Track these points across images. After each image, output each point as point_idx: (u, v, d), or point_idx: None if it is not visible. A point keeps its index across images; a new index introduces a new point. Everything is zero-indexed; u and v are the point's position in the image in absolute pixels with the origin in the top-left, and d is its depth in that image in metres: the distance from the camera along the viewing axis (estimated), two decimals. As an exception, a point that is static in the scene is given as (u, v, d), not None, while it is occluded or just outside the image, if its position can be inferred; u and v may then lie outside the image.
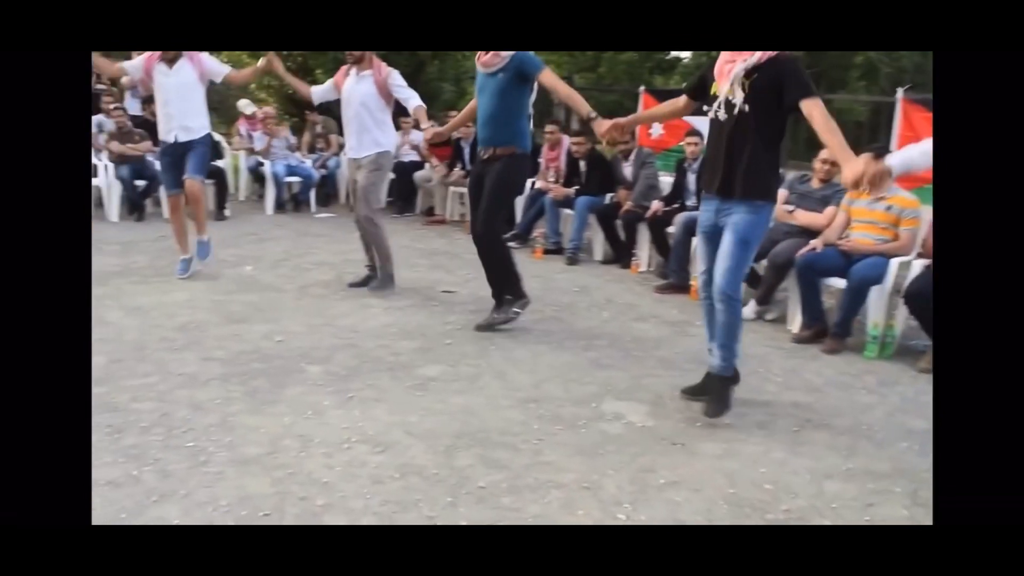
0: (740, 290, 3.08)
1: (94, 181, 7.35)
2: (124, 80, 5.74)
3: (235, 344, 3.85)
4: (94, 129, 7.78)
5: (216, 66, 5.09)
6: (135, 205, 7.34)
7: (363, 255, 5.22)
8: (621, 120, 3.52)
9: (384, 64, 4.87)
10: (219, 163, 8.29)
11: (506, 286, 4.30)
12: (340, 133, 7.10)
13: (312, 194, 8.69)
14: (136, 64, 4.98)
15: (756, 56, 2.84)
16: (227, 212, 7.98)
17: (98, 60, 4.93)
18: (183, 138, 4.98)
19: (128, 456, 2.61)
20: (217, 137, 8.99)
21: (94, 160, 7.34)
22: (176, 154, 5.03)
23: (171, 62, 4.89)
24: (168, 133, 4.99)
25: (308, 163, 8.80)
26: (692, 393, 3.33)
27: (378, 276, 5.09)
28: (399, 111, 5.14)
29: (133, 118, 7.92)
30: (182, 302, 4.57)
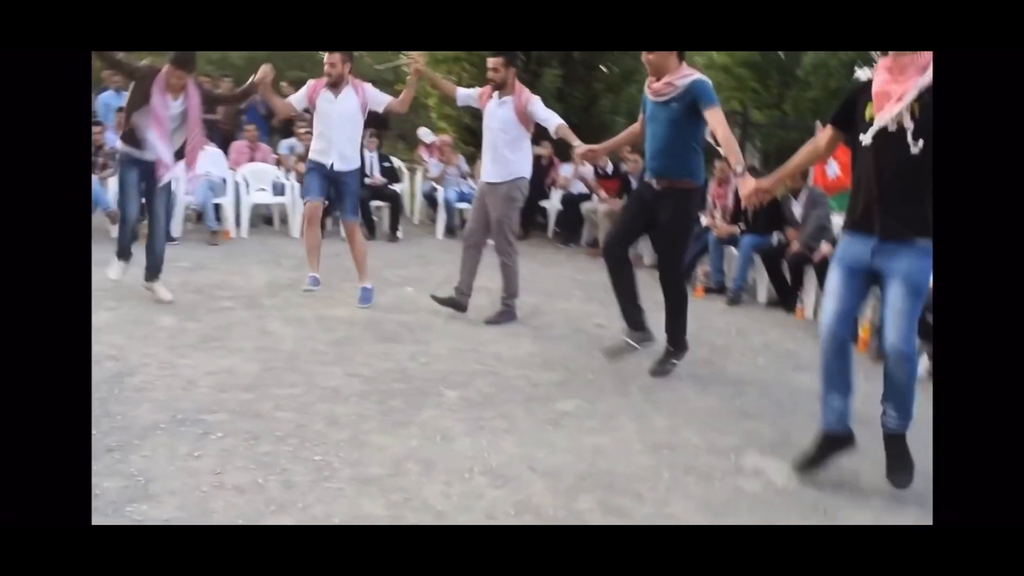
0: (916, 345, 2.74)
1: (279, 198, 7.93)
2: (283, 110, 5.61)
3: (381, 362, 3.95)
4: (284, 151, 8.43)
5: (378, 96, 5.18)
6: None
7: (466, 277, 5.04)
8: (763, 183, 3.22)
9: (526, 90, 4.84)
10: (396, 187, 8.70)
11: (673, 332, 4.07)
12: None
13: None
14: (300, 96, 5.10)
15: (928, 74, 2.49)
16: (399, 234, 8.33)
17: (275, 101, 5.25)
18: (339, 167, 5.04)
19: (259, 463, 2.72)
20: (398, 163, 9.48)
21: (281, 179, 7.92)
22: (327, 177, 5.07)
23: (336, 89, 4.95)
24: (324, 158, 5.04)
25: (479, 190, 9.03)
26: (808, 464, 2.90)
27: (500, 306, 5.03)
28: (564, 151, 5.04)
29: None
30: (341, 318, 4.78)
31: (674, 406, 3.60)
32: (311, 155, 5.19)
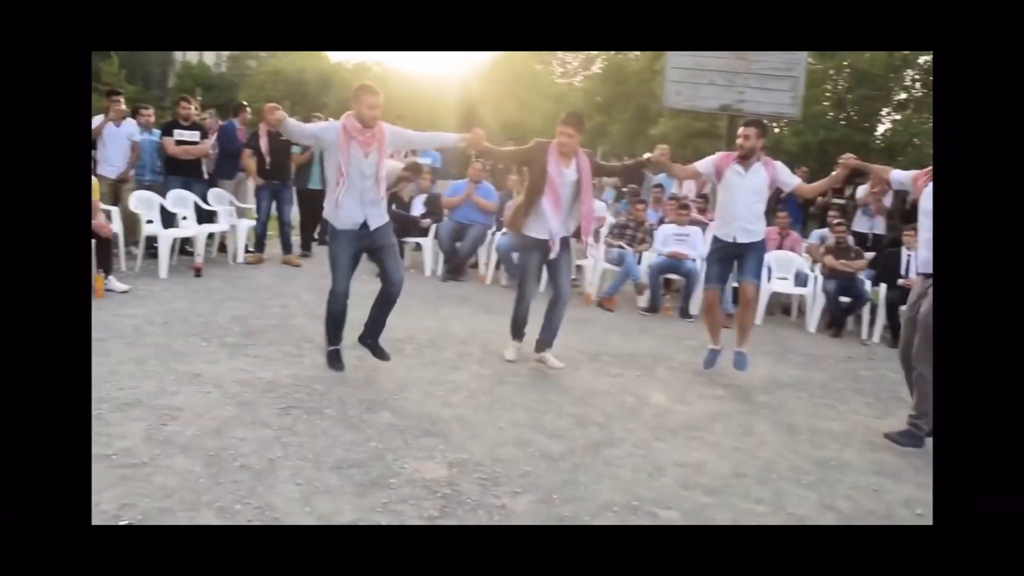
0: None
1: (800, 289, 7.57)
2: (687, 176, 5.77)
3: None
4: (814, 240, 8.06)
5: (788, 177, 5.06)
6: (836, 320, 7.27)
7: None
8: None
9: (771, 159, 4.98)
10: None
11: None
12: None
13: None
14: (707, 164, 5.09)
15: None
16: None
17: (675, 169, 5.41)
18: (742, 239, 4.95)
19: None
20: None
21: (805, 269, 7.56)
22: (728, 253, 5.03)
23: (747, 163, 4.90)
24: (726, 232, 5.00)
25: None
26: None
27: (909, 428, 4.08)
28: None
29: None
30: (835, 432, 4.27)
31: None
32: (715, 233, 5.18)
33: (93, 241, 5.90)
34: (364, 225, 4.29)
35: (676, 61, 9.12)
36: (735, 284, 5.53)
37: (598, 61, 35.71)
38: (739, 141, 4.97)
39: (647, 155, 5.33)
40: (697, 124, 23.20)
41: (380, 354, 4.61)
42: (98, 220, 5.88)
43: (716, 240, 5.11)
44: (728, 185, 4.99)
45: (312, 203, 8.04)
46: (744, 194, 4.93)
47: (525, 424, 3.89)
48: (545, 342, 4.98)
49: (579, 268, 7.66)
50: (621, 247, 7.62)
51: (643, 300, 7.40)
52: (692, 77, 9.02)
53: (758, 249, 5.06)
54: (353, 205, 4.24)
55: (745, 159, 4.93)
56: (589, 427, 3.93)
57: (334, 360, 4.49)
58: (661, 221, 8.05)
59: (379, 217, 4.37)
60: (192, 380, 4.03)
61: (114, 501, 2.70)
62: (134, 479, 2.88)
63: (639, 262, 7.52)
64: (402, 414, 3.85)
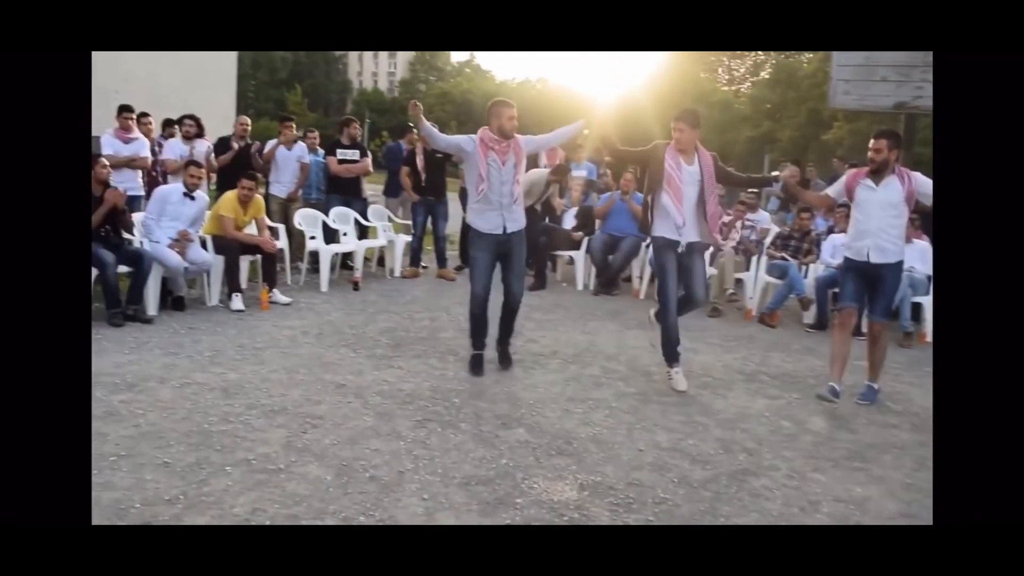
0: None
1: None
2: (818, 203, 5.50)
3: None
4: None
5: (930, 188, 4.41)
6: None
7: None
8: None
9: (909, 170, 4.54)
10: None
11: None
12: None
13: None
14: (838, 187, 4.76)
15: None
16: None
17: (805, 196, 5.09)
18: (875, 259, 4.49)
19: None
20: None
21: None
22: (866, 274, 4.55)
23: (879, 177, 4.48)
24: (858, 250, 4.56)
25: None
26: None
27: None
28: None
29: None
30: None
31: None
32: (846, 251, 4.69)
33: (260, 256, 6.28)
34: (503, 229, 4.52)
35: (844, 58, 8.46)
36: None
37: (767, 66, 34.27)
38: (870, 155, 4.50)
39: (775, 173, 5.07)
40: (878, 127, 21.59)
41: (503, 361, 4.79)
42: (263, 236, 6.24)
43: (848, 260, 4.67)
44: (859, 202, 4.57)
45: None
46: (875, 208, 4.48)
47: (666, 447, 3.66)
48: (668, 355, 4.71)
49: (739, 282, 7.24)
50: (784, 259, 7.13)
51: (809, 316, 6.86)
52: (863, 75, 8.31)
53: (893, 275, 4.54)
54: (493, 210, 4.51)
55: (877, 173, 4.48)
56: (737, 453, 3.63)
57: (475, 365, 4.66)
58: (830, 231, 7.45)
59: (516, 222, 4.59)
60: (336, 390, 4.13)
61: (247, 505, 2.77)
62: (268, 484, 2.94)
63: (805, 275, 7.00)
64: (537, 431, 3.73)
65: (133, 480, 2.90)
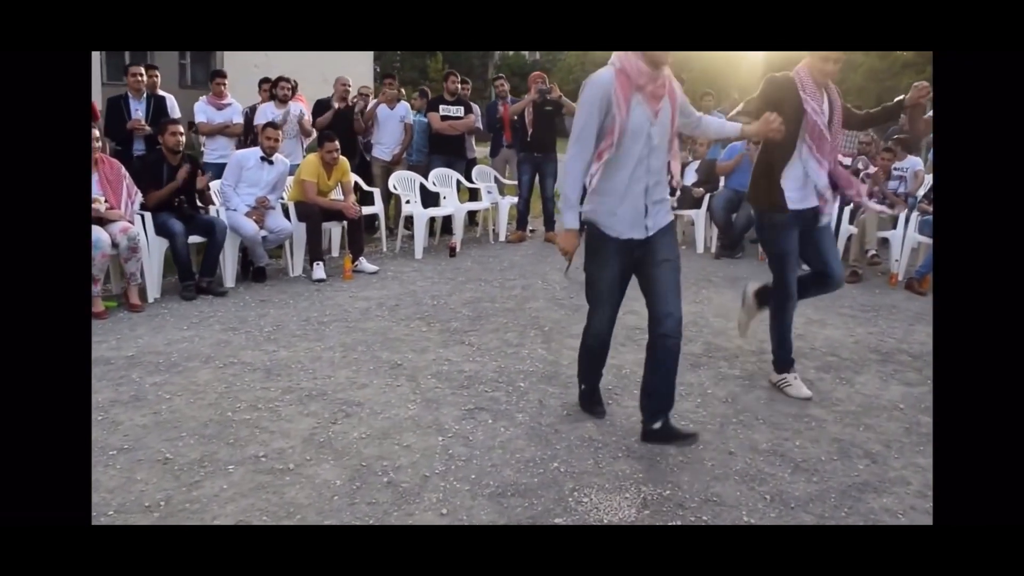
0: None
1: None
2: None
3: None
4: None
5: None
6: None
7: None
8: None
9: None
10: None
11: None
12: None
13: None
14: None
15: None
16: None
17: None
18: None
19: None
20: None
21: None
22: None
23: None
24: None
25: None
26: None
27: None
28: None
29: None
30: None
31: None
32: None
33: (345, 223, 5.96)
34: (644, 229, 2.86)
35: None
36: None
37: None
38: None
39: (901, 96, 3.56)
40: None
41: (655, 438, 3.05)
42: (347, 202, 5.90)
43: None
44: None
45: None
46: None
47: (764, 449, 2.95)
48: (784, 361, 3.61)
49: (884, 242, 6.20)
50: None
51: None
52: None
53: None
54: (629, 198, 2.82)
55: None
56: (857, 460, 2.88)
57: (587, 400, 3.28)
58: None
59: (663, 215, 2.92)
60: (389, 371, 3.70)
61: (233, 516, 2.37)
62: (266, 490, 2.54)
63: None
64: (606, 425, 3.13)
65: (122, 480, 2.57)
